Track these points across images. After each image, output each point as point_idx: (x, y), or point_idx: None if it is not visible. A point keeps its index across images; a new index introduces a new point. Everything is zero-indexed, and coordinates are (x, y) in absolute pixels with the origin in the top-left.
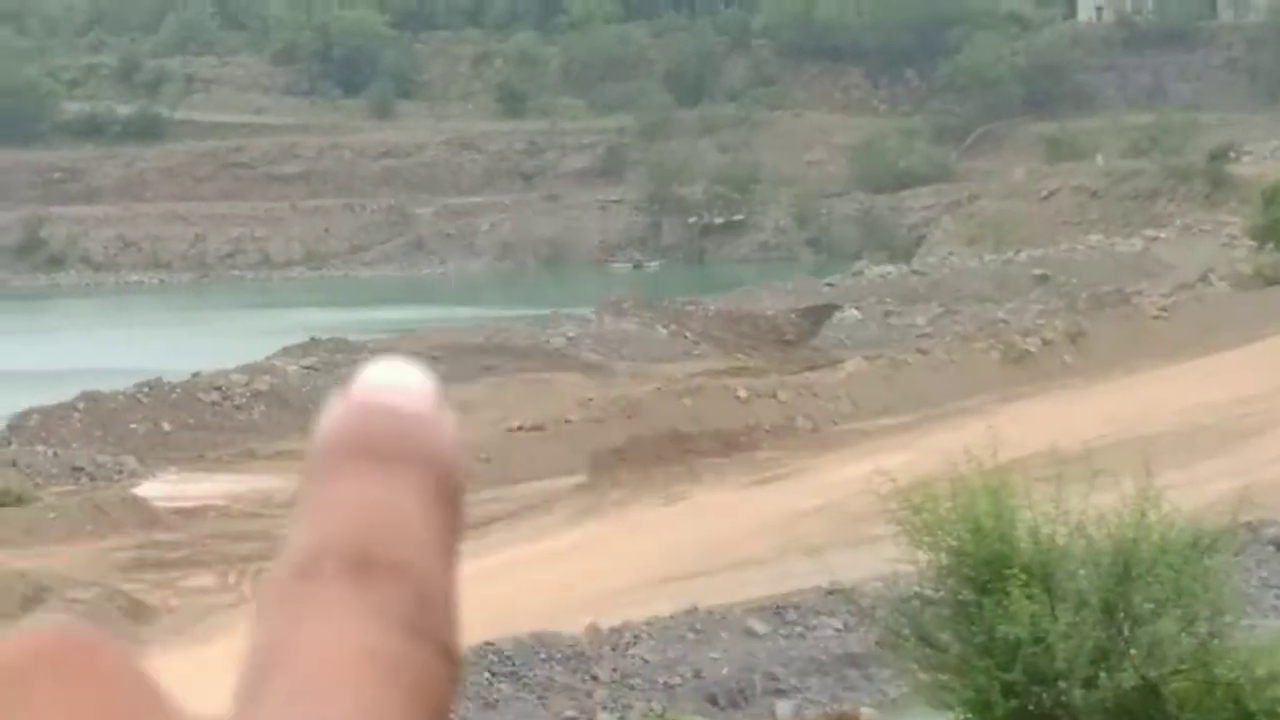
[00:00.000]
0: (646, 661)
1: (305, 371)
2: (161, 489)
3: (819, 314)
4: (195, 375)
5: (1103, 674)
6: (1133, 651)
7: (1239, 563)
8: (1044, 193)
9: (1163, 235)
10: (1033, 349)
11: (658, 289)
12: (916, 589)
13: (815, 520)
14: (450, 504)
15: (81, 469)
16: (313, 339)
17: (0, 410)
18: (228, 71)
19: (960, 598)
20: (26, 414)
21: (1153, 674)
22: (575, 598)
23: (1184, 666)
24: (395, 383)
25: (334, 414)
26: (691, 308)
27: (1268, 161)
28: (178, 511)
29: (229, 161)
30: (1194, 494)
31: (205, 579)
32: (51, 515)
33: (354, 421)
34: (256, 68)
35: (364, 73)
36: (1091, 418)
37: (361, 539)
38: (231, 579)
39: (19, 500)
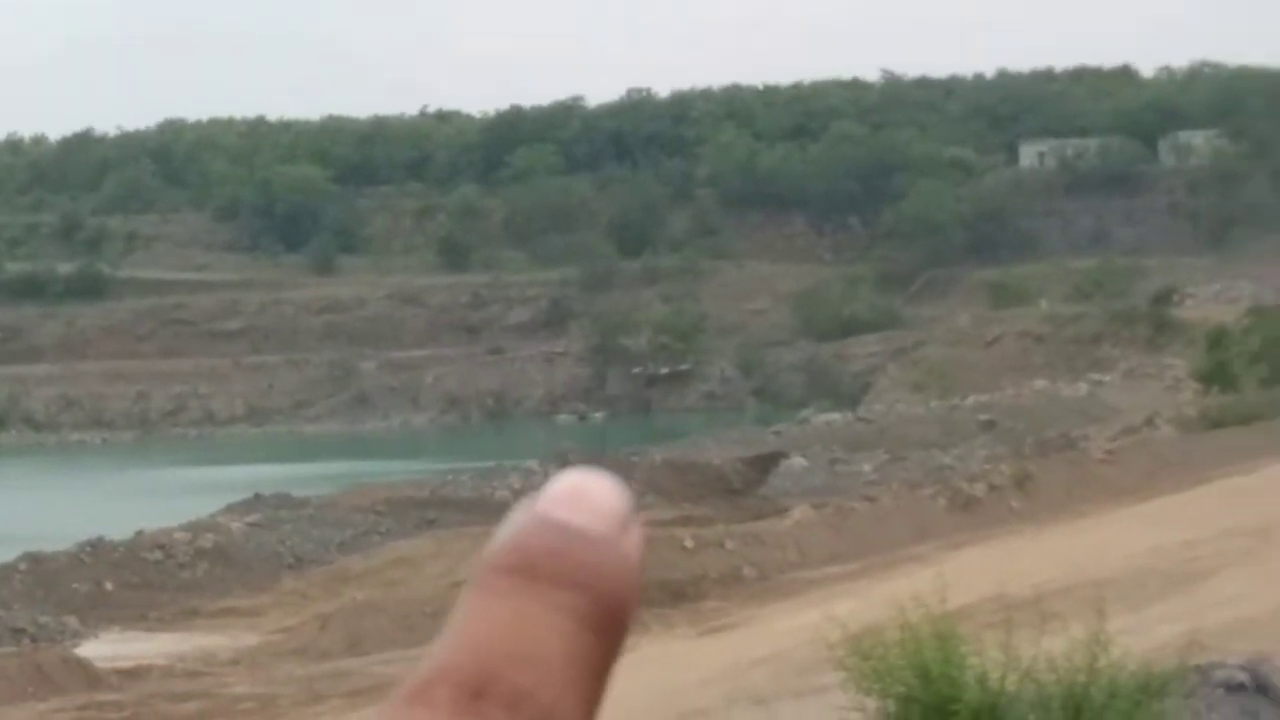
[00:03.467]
0: None
1: (249, 528)
2: (103, 649)
3: (765, 462)
4: (138, 534)
5: None
6: None
7: (1189, 705)
8: (989, 338)
9: (1107, 379)
10: (980, 495)
11: (603, 440)
12: None
13: (762, 670)
14: (604, 632)
15: (23, 630)
16: (257, 495)
17: None
18: (169, 229)
19: None
20: None
21: None
22: None
23: None
24: (576, 496)
25: (508, 525)
26: (636, 458)
27: (1210, 305)
28: (120, 672)
29: (170, 319)
30: (1143, 637)
31: None
32: None
33: (520, 535)
34: (198, 224)
35: (306, 228)
36: (1039, 562)
37: (484, 663)
38: None
39: None
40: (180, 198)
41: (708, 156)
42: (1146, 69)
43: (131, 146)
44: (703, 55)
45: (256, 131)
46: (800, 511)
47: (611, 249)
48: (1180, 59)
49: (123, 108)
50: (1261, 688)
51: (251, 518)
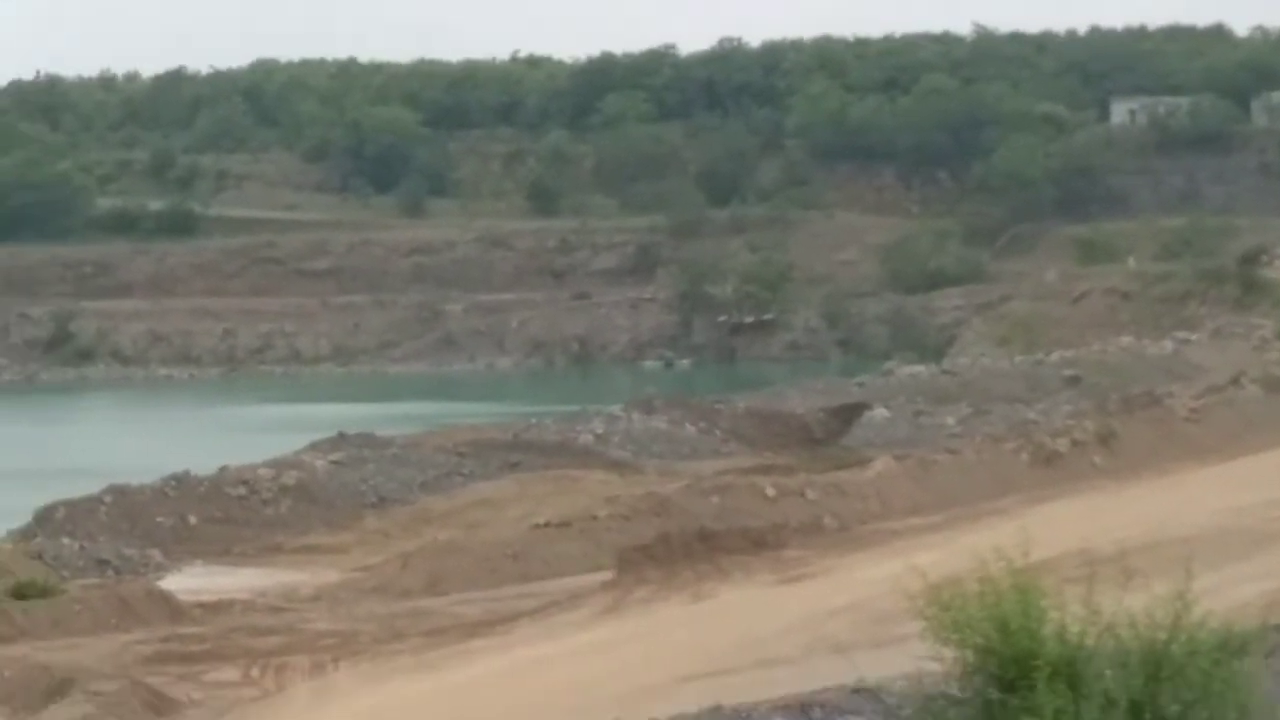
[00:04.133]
0: None
1: (333, 466)
2: (186, 583)
3: (848, 413)
4: (222, 469)
5: None
6: None
7: (1269, 665)
8: (1075, 294)
9: (1194, 338)
10: (1063, 450)
11: (687, 387)
12: (943, 688)
13: (842, 619)
14: None
15: (107, 562)
16: (340, 434)
17: (28, 503)
18: (259, 168)
19: (986, 696)
20: (53, 507)
21: None
22: (601, 695)
23: None
24: None
25: None
26: (720, 406)
27: None
28: (202, 605)
29: (259, 257)
30: (1225, 596)
31: (229, 673)
32: (76, 608)
33: None
34: (288, 164)
35: (395, 170)
36: (1122, 519)
37: None
38: (255, 673)
39: (44, 593)
40: (271, 137)
41: (798, 107)
42: (1240, 28)
43: (223, 85)
44: (795, 5)
45: (348, 72)
46: (882, 462)
47: (700, 197)
48: (1275, 19)
49: (215, 46)
50: None
51: (335, 456)
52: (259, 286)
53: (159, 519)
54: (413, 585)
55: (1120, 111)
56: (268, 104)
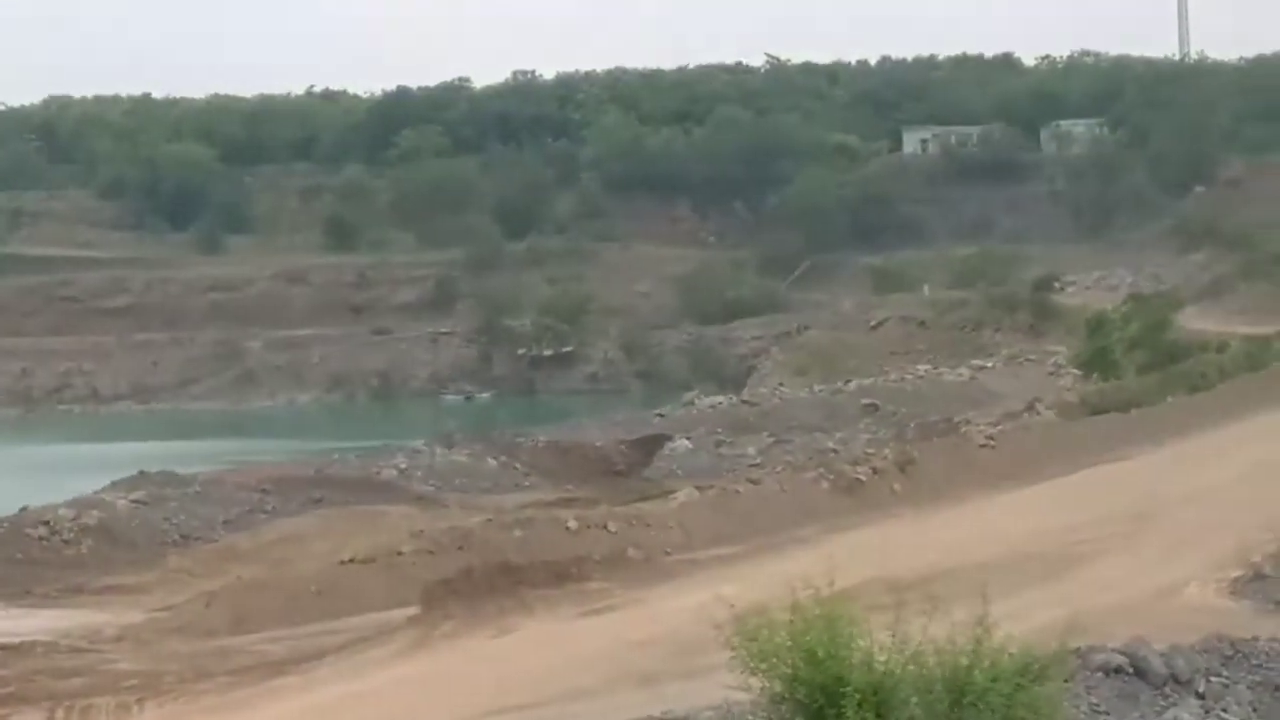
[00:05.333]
0: None
1: (134, 505)
2: None
3: (649, 444)
4: (22, 510)
5: None
6: None
7: (1069, 689)
8: (872, 323)
9: (989, 365)
10: (863, 478)
11: (488, 420)
12: (750, 717)
13: (648, 650)
14: None
15: None
16: (141, 472)
17: None
18: (54, 206)
19: None
20: None
21: None
22: None
23: None
24: None
25: None
26: (521, 439)
27: (1090, 292)
28: (3, 648)
29: (56, 295)
30: (1023, 621)
31: (33, 716)
32: None
33: None
34: (84, 202)
35: (192, 207)
36: (922, 545)
37: None
38: (60, 715)
39: None
40: (66, 175)
41: (592, 139)
42: (1028, 58)
43: (16, 123)
44: (588, 38)
45: (142, 109)
46: (685, 493)
47: (497, 231)
48: (1062, 48)
49: (7, 81)
50: (1139, 671)
51: (136, 495)
52: (56, 325)
53: None
54: (217, 624)
55: (912, 141)
56: (62, 141)
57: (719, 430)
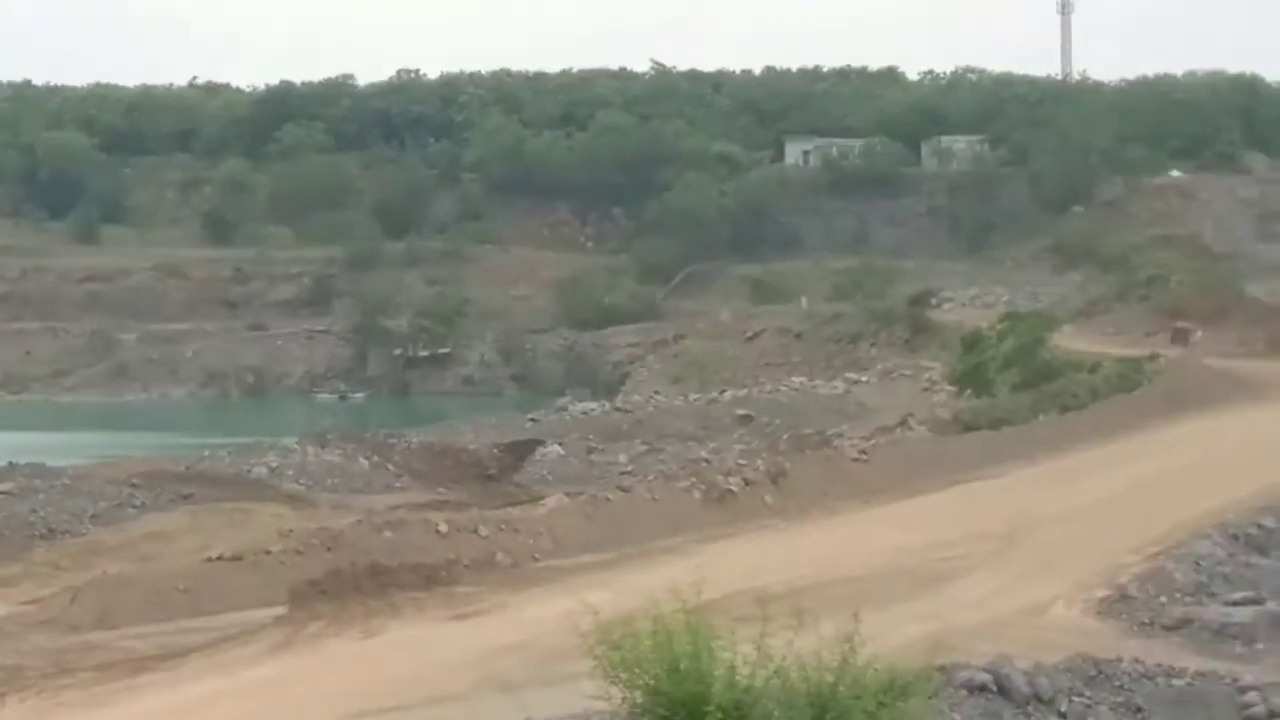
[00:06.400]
0: None
1: (2, 497)
2: None
3: (521, 449)
4: None
5: None
6: None
7: (933, 706)
8: (748, 334)
9: (864, 378)
10: (735, 489)
11: (362, 420)
12: None
13: (513, 656)
14: None
15: None
16: (10, 463)
17: None
18: None
19: None
20: None
21: None
22: None
23: None
24: None
25: None
26: (394, 440)
27: (967, 308)
28: None
29: None
30: (890, 637)
31: None
32: None
33: None
34: None
35: (70, 196)
36: (792, 558)
37: None
38: None
39: None
40: None
41: (474, 141)
42: (912, 72)
43: None
44: (473, 39)
45: (22, 95)
46: (555, 499)
47: (376, 229)
48: (945, 64)
49: None
50: (1003, 689)
51: (4, 486)
52: None
53: None
54: (82, 619)
55: (794, 152)
56: None
57: (591, 437)
